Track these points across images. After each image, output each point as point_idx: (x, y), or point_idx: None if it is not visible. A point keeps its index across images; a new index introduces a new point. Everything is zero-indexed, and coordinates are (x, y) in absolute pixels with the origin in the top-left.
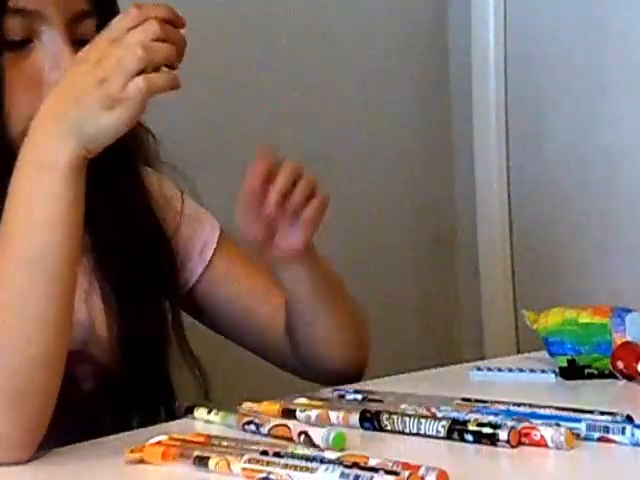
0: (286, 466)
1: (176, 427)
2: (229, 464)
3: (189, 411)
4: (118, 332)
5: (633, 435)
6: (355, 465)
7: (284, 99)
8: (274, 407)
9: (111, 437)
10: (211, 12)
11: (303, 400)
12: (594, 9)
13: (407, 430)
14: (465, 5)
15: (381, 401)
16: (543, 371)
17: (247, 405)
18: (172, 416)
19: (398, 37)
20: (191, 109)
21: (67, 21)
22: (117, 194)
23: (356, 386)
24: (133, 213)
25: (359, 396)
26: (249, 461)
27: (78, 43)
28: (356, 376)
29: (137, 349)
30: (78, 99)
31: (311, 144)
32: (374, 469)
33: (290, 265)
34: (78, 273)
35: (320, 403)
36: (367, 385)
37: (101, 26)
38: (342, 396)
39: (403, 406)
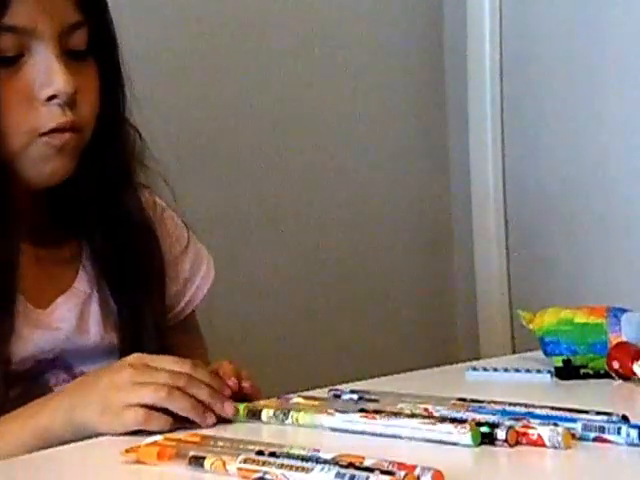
0: (282, 466)
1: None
2: (224, 464)
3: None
4: (118, 339)
5: (628, 435)
6: (351, 465)
7: (282, 99)
8: (270, 406)
9: (107, 437)
10: (208, 11)
11: (299, 400)
12: (590, 8)
13: None
14: (461, 5)
15: (377, 401)
16: (539, 371)
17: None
18: None
19: (394, 39)
20: (190, 107)
21: (58, 35)
22: (116, 207)
23: (352, 386)
24: (128, 219)
25: (355, 396)
26: (245, 461)
27: (70, 54)
28: None
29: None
30: (87, 389)
31: (309, 145)
32: (370, 469)
33: None
34: (80, 280)
35: (316, 403)
36: (363, 385)
37: (92, 35)
38: (338, 396)
39: (399, 406)
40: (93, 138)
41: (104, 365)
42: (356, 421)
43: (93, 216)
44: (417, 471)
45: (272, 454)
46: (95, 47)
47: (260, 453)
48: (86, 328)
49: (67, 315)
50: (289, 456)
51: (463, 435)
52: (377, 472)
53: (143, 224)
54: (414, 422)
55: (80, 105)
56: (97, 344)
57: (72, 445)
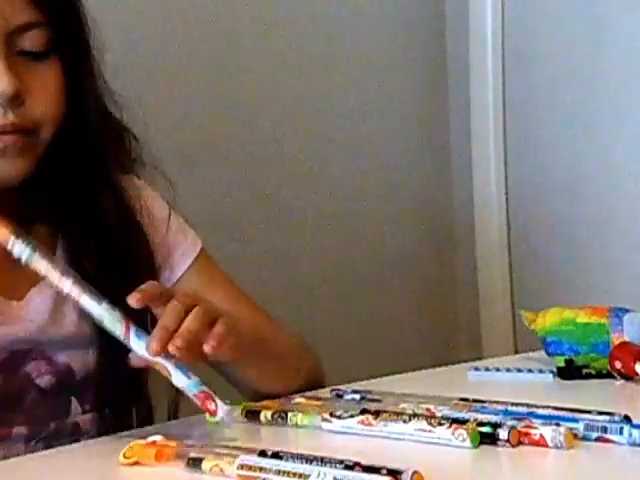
0: (279, 472)
1: (172, 428)
2: (222, 470)
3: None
4: (93, 329)
5: (631, 435)
6: (355, 465)
7: (283, 97)
8: (273, 406)
9: (106, 437)
10: (207, 10)
11: (301, 400)
12: (592, 7)
13: None
14: (463, 5)
15: (379, 401)
16: (541, 371)
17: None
18: (144, 416)
19: (396, 38)
20: (194, 105)
21: (6, 35)
22: (89, 196)
23: (355, 386)
24: (105, 214)
25: (357, 396)
26: (241, 467)
27: (26, 54)
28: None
29: (110, 346)
30: None
31: (308, 147)
32: (371, 469)
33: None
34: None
35: (318, 403)
36: (365, 385)
37: (55, 35)
38: (340, 396)
39: (402, 406)
40: (63, 136)
41: (81, 354)
42: (354, 427)
43: (69, 209)
44: None
45: (275, 455)
46: (59, 47)
47: (262, 454)
48: (61, 318)
49: (40, 307)
50: (289, 459)
51: (462, 442)
52: (378, 475)
53: (122, 214)
54: (412, 428)
55: (31, 106)
56: (73, 333)
57: (71, 446)
